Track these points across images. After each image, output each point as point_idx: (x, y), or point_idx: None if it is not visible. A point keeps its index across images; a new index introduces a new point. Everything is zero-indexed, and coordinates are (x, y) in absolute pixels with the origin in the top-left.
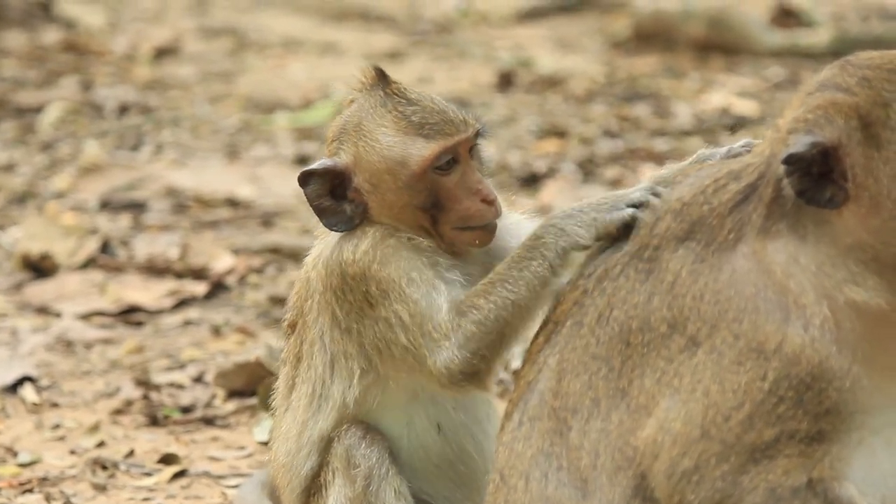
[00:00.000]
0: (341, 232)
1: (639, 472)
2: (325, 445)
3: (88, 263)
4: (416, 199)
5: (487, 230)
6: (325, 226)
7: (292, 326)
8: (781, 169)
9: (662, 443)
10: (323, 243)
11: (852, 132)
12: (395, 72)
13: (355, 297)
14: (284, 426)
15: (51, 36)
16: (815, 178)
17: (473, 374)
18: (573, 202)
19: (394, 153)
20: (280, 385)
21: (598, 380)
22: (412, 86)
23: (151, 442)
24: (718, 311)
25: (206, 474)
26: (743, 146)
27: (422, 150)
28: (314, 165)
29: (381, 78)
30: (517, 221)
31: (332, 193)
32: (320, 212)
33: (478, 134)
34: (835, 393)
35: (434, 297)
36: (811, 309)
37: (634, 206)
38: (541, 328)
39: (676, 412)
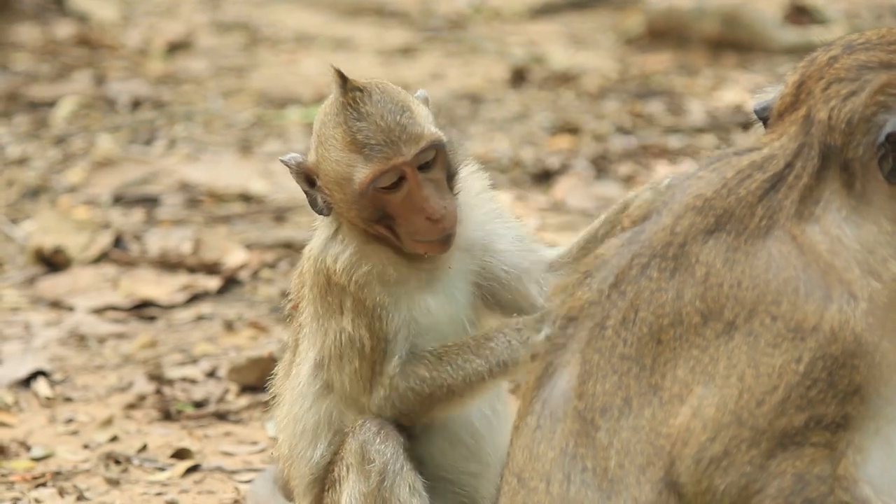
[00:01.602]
0: (324, 216)
1: (668, 460)
2: (331, 434)
3: (101, 258)
4: (365, 212)
5: (440, 243)
6: (310, 207)
7: (295, 309)
8: (868, 153)
9: (693, 428)
10: (316, 235)
11: None
12: (408, 68)
13: (333, 300)
14: (282, 415)
15: (64, 30)
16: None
17: (400, 419)
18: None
19: (341, 168)
20: (280, 372)
21: (630, 379)
22: (423, 82)
23: (164, 436)
24: (757, 295)
25: (219, 469)
26: None
27: (360, 172)
28: (285, 158)
29: (342, 84)
30: (487, 210)
31: (308, 181)
32: (305, 194)
33: (436, 146)
34: (865, 369)
35: (393, 346)
36: (858, 283)
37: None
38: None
39: (711, 399)
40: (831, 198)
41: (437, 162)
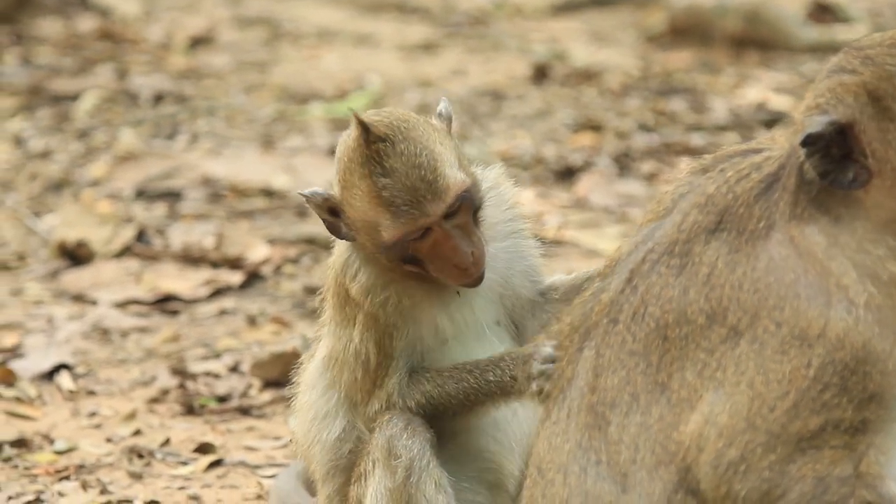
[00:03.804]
0: (348, 241)
1: (682, 466)
2: (345, 421)
3: (124, 252)
4: (393, 257)
5: (469, 282)
6: (330, 233)
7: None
8: (801, 153)
9: (708, 436)
10: (337, 250)
11: (864, 108)
12: (429, 64)
13: (350, 311)
14: (299, 404)
15: (86, 24)
16: (837, 160)
17: None
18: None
19: (368, 218)
20: (304, 361)
21: (637, 375)
22: (445, 78)
23: (187, 431)
24: (758, 300)
25: (242, 464)
26: None
27: (389, 228)
28: (308, 192)
29: (364, 134)
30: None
31: (331, 211)
32: (324, 222)
33: (462, 197)
34: (878, 377)
35: (396, 363)
36: (854, 289)
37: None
38: (575, 327)
39: (722, 406)
40: (822, 197)
41: (463, 207)
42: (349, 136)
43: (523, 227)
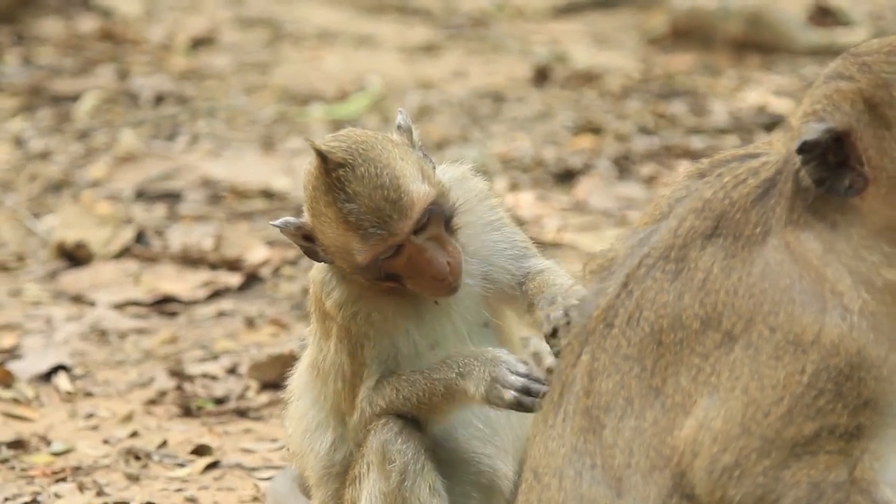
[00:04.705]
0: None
1: (677, 470)
2: (338, 431)
3: (123, 253)
4: (370, 276)
5: (446, 291)
6: (309, 257)
7: None
8: (798, 160)
9: (702, 441)
10: (315, 266)
11: (860, 116)
12: (430, 65)
13: (327, 325)
14: (291, 412)
15: (87, 24)
16: (833, 167)
17: None
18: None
19: (340, 243)
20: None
21: (631, 379)
22: (446, 80)
23: (184, 433)
24: (753, 305)
25: (239, 466)
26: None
27: (361, 251)
28: (280, 222)
29: (323, 163)
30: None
31: (306, 238)
32: (301, 248)
33: (429, 210)
34: (873, 382)
35: (369, 371)
36: (849, 295)
37: (520, 391)
38: (576, 333)
39: (716, 411)
40: (818, 203)
41: (432, 219)
42: (311, 165)
43: (499, 217)
